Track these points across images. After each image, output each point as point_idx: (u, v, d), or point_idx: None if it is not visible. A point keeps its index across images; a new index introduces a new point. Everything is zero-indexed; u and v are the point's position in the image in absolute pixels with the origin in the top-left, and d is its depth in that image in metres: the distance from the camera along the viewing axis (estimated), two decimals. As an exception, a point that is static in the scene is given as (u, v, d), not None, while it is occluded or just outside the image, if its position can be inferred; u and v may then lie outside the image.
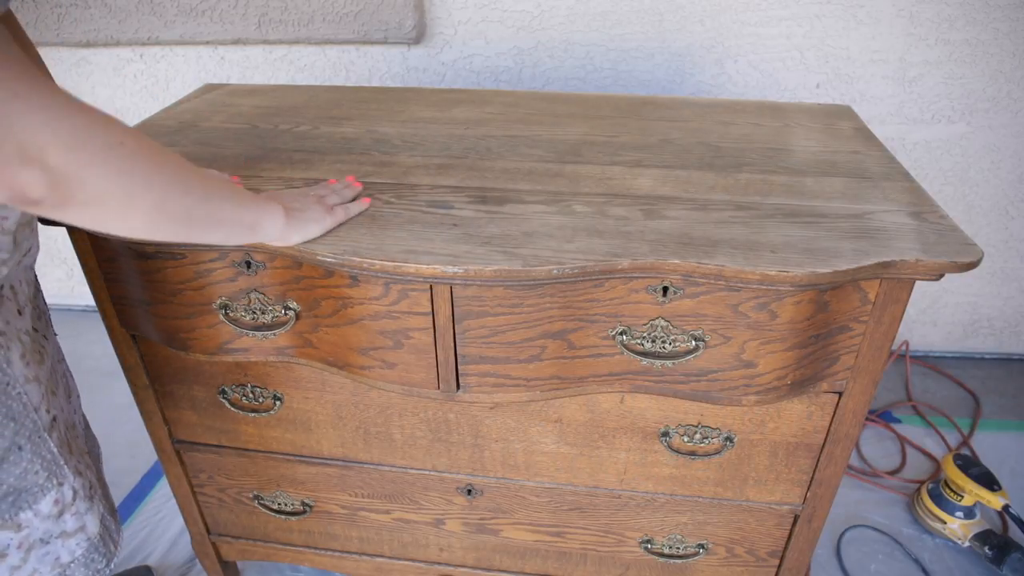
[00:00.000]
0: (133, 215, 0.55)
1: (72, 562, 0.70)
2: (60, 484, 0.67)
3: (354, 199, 0.81)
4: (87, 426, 0.84)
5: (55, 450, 0.67)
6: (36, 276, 0.77)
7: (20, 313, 0.65)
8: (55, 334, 0.79)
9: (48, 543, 0.67)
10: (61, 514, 0.68)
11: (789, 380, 0.78)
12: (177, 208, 0.58)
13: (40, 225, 0.95)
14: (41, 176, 0.46)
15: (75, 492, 0.69)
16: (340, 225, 0.76)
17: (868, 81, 1.52)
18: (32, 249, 0.67)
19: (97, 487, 0.75)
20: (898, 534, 1.38)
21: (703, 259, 0.69)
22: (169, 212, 0.57)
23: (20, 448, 0.63)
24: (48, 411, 0.66)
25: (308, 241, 0.73)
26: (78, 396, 0.78)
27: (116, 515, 0.80)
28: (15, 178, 0.46)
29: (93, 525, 0.72)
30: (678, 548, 1.02)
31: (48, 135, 0.46)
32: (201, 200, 0.60)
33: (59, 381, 0.72)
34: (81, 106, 0.48)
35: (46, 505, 0.66)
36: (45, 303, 0.78)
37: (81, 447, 0.74)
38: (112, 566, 0.75)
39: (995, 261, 1.73)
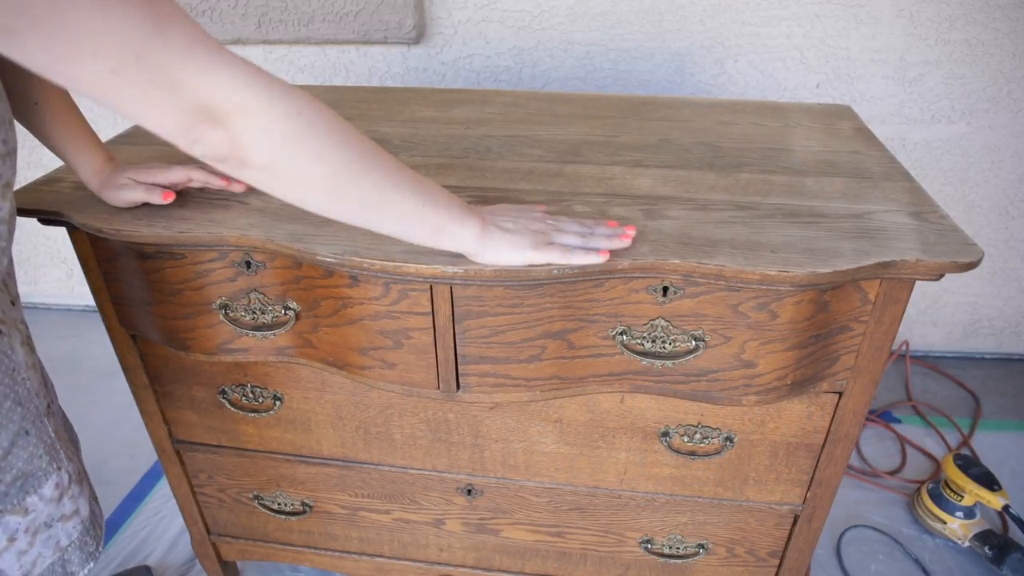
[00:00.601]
0: (306, 190, 0.57)
1: (69, 545, 0.72)
2: (59, 468, 0.69)
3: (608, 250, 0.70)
4: (63, 414, 0.85)
5: (53, 435, 0.69)
6: None
7: (13, 304, 0.67)
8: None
9: (51, 527, 0.69)
10: (61, 498, 0.69)
11: (789, 380, 0.78)
12: (350, 189, 0.59)
13: (40, 225, 0.95)
14: (225, 137, 0.51)
15: (70, 476, 0.71)
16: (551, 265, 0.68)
17: (868, 81, 1.52)
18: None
19: (83, 472, 0.77)
20: (898, 534, 1.38)
21: (703, 259, 0.69)
22: (342, 192, 0.58)
23: (27, 433, 0.64)
24: (44, 397, 0.68)
25: (502, 267, 0.68)
26: (52, 386, 0.80)
27: (97, 501, 0.82)
28: (205, 136, 0.51)
29: (85, 508, 0.74)
30: (678, 548, 1.02)
31: (235, 101, 0.50)
32: (378, 187, 0.60)
33: (40, 370, 0.73)
34: (265, 75, 0.53)
35: (49, 489, 0.68)
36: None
37: (64, 435, 0.75)
38: (101, 548, 0.76)
39: (995, 261, 1.73)
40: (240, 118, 0.51)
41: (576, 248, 0.69)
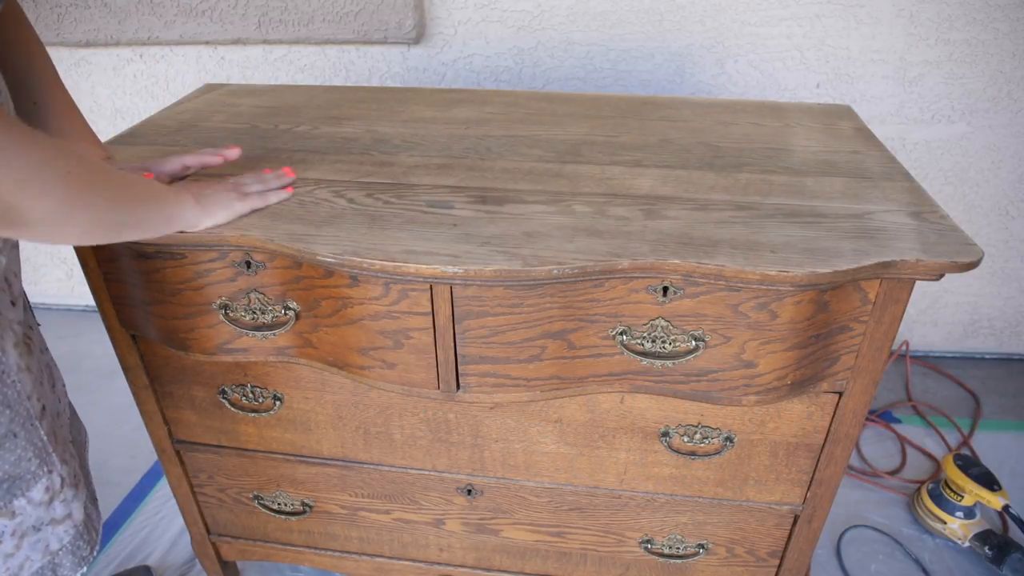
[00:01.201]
0: (70, 231, 0.60)
1: (60, 549, 0.71)
2: (50, 472, 0.68)
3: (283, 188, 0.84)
4: (73, 414, 0.85)
5: (45, 438, 0.68)
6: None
7: (13, 304, 0.66)
8: (38, 324, 0.80)
9: (39, 530, 0.68)
10: (51, 501, 0.69)
11: (789, 380, 0.78)
12: (111, 221, 0.63)
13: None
14: None
15: (63, 479, 0.70)
16: (256, 211, 0.79)
17: (868, 81, 1.52)
18: (11, 240, 0.68)
19: (80, 475, 0.76)
20: (898, 534, 1.38)
21: (703, 259, 0.69)
22: (104, 225, 0.63)
23: (15, 435, 0.64)
24: (38, 400, 0.68)
25: (219, 225, 0.77)
26: (63, 385, 0.79)
27: (97, 503, 0.81)
28: None
29: (78, 512, 0.73)
30: (678, 548, 1.02)
31: (6, 170, 0.50)
32: (130, 210, 0.66)
33: (43, 371, 0.72)
34: (36, 142, 0.52)
35: (38, 492, 0.67)
36: (26, 295, 0.79)
37: (66, 436, 0.75)
38: (95, 553, 0.76)
39: (995, 261, 1.73)
40: (11, 189, 0.51)
41: (266, 192, 0.81)
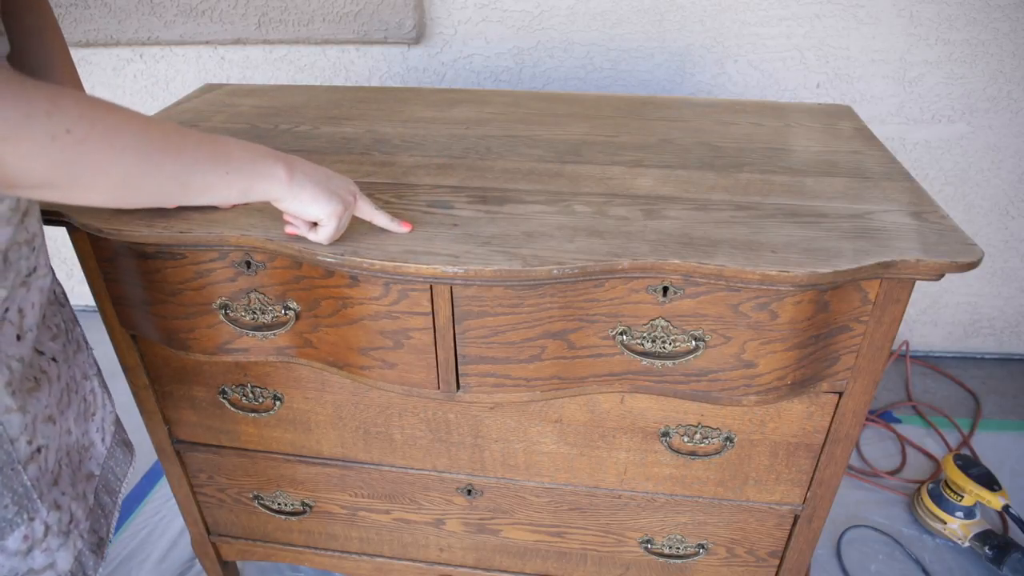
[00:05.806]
0: (91, 196, 0.54)
1: None
2: (31, 519, 0.63)
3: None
4: (116, 443, 0.79)
5: (28, 483, 0.63)
6: (64, 294, 0.74)
7: (19, 339, 0.62)
8: (90, 348, 0.77)
9: None
10: (30, 550, 0.64)
11: (789, 380, 0.78)
12: (142, 186, 0.57)
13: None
14: None
15: (47, 528, 0.65)
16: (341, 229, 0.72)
17: (868, 81, 1.52)
18: (39, 270, 0.64)
19: (81, 520, 0.70)
20: (898, 534, 1.38)
21: (703, 259, 0.69)
22: (133, 190, 0.56)
23: None
24: (30, 442, 0.63)
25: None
26: (112, 410, 0.75)
27: (102, 550, 0.75)
28: None
29: (64, 562, 0.68)
30: (678, 548, 1.02)
31: None
32: (174, 175, 0.59)
33: (72, 401, 0.69)
34: (22, 93, 0.46)
35: (14, 541, 0.62)
36: (72, 321, 0.76)
37: (88, 471, 0.70)
38: None
39: (995, 261, 1.73)
40: None
41: (364, 205, 0.73)
